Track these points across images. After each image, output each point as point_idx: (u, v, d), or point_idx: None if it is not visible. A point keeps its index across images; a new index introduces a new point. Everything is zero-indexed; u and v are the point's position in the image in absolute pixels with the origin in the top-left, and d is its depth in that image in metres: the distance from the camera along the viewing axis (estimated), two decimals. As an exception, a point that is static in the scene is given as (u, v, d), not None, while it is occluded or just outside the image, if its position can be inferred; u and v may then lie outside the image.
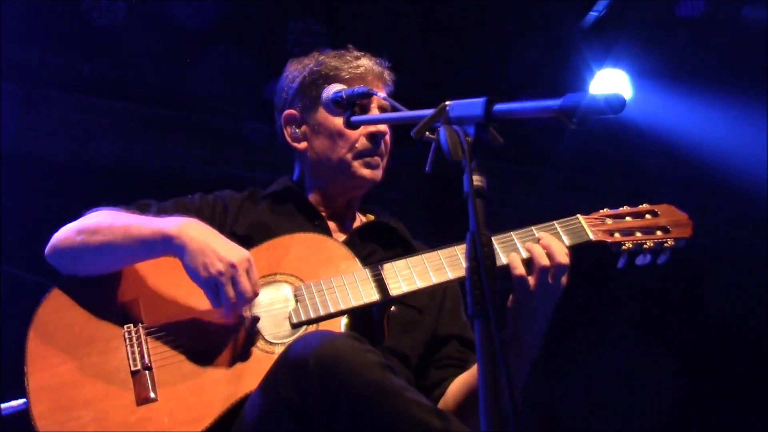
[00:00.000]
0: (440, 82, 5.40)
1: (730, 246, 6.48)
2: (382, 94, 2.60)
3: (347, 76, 2.82)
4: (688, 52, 5.48)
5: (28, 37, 4.87)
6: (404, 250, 2.86)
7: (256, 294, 2.45)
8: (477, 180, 1.88)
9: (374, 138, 2.83)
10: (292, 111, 2.93)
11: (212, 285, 2.41)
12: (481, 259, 1.83)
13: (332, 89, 2.59)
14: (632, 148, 6.03)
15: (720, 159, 5.96)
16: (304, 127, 2.91)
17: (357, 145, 2.83)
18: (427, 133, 2.05)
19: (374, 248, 2.85)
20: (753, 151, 5.71)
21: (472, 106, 1.95)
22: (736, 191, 6.10)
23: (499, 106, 1.93)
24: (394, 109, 2.47)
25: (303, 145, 2.92)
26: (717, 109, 5.72)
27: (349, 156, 2.83)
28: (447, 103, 2.01)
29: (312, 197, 2.93)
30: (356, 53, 2.92)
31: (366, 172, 2.84)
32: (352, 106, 2.55)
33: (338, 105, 2.56)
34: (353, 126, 2.60)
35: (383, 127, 2.84)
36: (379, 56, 2.97)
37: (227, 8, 4.99)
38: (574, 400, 6.15)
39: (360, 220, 2.99)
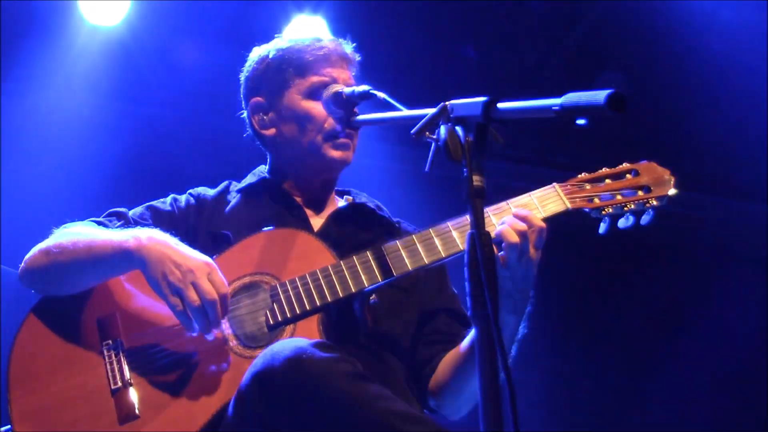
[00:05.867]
0: (440, 82, 5.39)
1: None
2: (381, 94, 2.55)
3: (311, 58, 2.80)
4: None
5: (28, 37, 4.87)
6: (384, 229, 2.84)
7: (222, 295, 2.39)
8: (477, 180, 1.87)
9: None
10: (259, 98, 2.90)
11: (174, 294, 2.37)
12: (481, 259, 1.83)
13: (332, 89, 2.61)
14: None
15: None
16: (271, 114, 2.87)
17: (326, 126, 2.78)
18: (427, 133, 2.04)
19: (353, 231, 2.81)
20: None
21: (473, 106, 1.95)
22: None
23: (499, 106, 1.93)
24: (394, 109, 2.44)
25: (272, 131, 2.88)
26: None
27: (319, 138, 2.79)
28: (447, 102, 2.00)
29: (287, 184, 2.90)
30: (318, 35, 2.90)
31: (336, 153, 2.80)
32: (353, 105, 2.55)
33: (339, 105, 2.60)
34: (354, 125, 2.60)
35: None
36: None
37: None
38: (578, 399, 6.15)
39: (336, 203, 2.95)
